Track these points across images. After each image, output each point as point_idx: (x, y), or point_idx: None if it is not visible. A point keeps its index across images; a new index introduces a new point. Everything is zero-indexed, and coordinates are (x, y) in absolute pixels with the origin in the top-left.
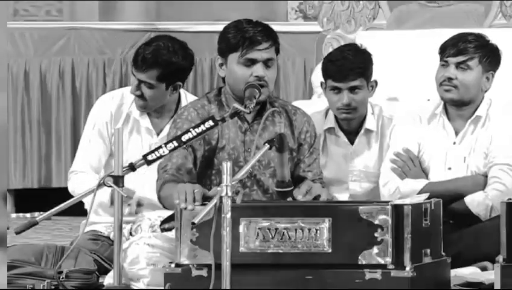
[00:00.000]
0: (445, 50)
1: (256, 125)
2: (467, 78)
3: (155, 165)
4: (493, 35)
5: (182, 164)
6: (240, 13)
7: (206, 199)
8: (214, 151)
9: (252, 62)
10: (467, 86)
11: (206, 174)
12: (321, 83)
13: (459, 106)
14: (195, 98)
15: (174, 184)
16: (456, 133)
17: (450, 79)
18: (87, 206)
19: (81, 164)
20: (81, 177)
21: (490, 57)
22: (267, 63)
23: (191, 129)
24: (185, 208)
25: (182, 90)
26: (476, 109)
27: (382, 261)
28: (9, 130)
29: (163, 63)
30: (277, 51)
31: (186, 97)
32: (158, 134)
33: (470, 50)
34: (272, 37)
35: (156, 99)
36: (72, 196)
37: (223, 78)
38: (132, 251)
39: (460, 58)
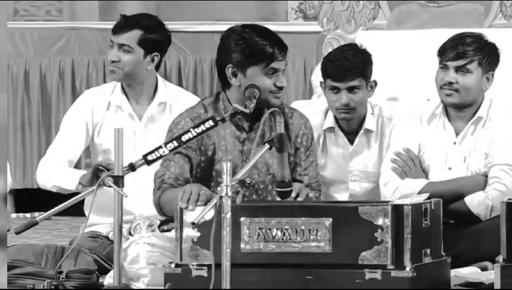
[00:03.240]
0: (444, 53)
1: (254, 134)
2: (467, 81)
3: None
4: (493, 35)
5: (180, 174)
6: (240, 13)
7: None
8: (210, 163)
9: (275, 71)
10: (467, 89)
11: (205, 185)
12: (320, 83)
13: (460, 109)
14: (175, 86)
15: (177, 189)
16: (457, 134)
17: (450, 83)
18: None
19: (54, 153)
20: (51, 168)
21: (490, 57)
22: (284, 70)
23: (191, 129)
24: (186, 207)
25: (159, 77)
26: (476, 110)
27: (382, 262)
28: (9, 130)
29: (145, 26)
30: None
31: (165, 83)
32: (140, 119)
33: (469, 53)
34: (284, 46)
35: (132, 67)
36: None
37: (224, 85)
38: (132, 250)
39: (460, 62)
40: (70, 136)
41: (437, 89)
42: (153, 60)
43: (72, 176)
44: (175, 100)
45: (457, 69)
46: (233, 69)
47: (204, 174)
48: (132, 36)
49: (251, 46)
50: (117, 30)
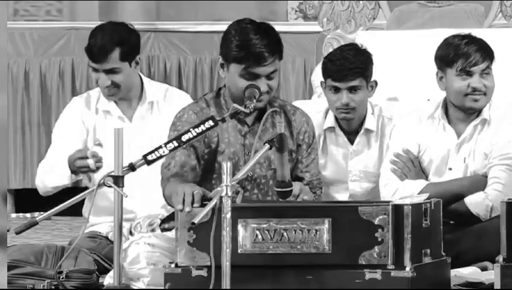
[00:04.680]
0: (464, 60)
1: (257, 128)
2: (490, 82)
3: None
4: (493, 35)
5: (186, 162)
6: (240, 13)
7: (206, 201)
8: (214, 155)
9: (256, 75)
10: (491, 90)
11: (207, 178)
12: (321, 83)
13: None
14: (158, 83)
15: (177, 182)
16: (457, 134)
17: (478, 89)
18: (85, 212)
19: (51, 156)
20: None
21: (493, 54)
22: (269, 76)
23: (191, 129)
24: (181, 210)
25: (141, 75)
26: (480, 111)
27: (382, 262)
28: (9, 130)
29: (121, 41)
30: (280, 58)
31: (149, 82)
32: (130, 120)
33: (484, 55)
34: (277, 50)
35: (127, 81)
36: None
37: (223, 79)
38: (132, 250)
39: (484, 65)
40: (65, 141)
41: (457, 98)
42: (137, 63)
43: (64, 170)
44: (161, 97)
45: (482, 73)
46: (221, 61)
47: (207, 166)
48: (114, 58)
49: (240, 43)
50: (96, 58)
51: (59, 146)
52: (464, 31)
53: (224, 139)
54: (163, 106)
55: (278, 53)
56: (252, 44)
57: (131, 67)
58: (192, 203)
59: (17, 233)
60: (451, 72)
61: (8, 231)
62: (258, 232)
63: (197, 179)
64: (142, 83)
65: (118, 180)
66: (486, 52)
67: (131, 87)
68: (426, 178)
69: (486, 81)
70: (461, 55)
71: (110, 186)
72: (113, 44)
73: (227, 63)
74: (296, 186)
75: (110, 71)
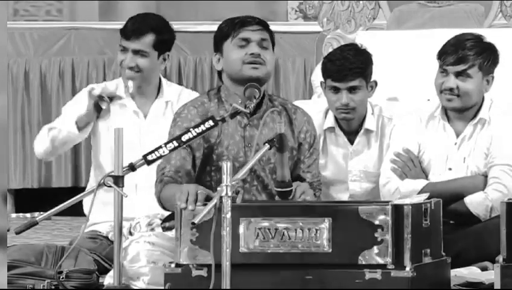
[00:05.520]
0: (444, 57)
1: (256, 119)
2: (468, 87)
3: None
4: (493, 35)
5: (181, 166)
6: (240, 13)
7: (209, 200)
8: (212, 148)
9: (247, 42)
10: (468, 94)
11: (205, 170)
12: (321, 83)
13: (461, 112)
14: (175, 84)
15: (176, 185)
16: (457, 135)
17: (451, 89)
18: (85, 209)
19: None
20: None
21: (490, 60)
22: (261, 44)
23: (191, 129)
24: (185, 208)
25: (161, 76)
26: (477, 111)
27: (382, 261)
28: (9, 130)
29: (157, 28)
30: (272, 41)
31: (167, 82)
32: (145, 116)
33: (470, 58)
34: (262, 23)
35: (150, 70)
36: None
37: (219, 75)
38: (132, 248)
39: (460, 68)
40: (75, 113)
41: (437, 93)
42: (164, 60)
43: (67, 123)
44: (176, 98)
45: (458, 75)
46: (216, 55)
47: (205, 159)
48: (147, 41)
49: (226, 23)
50: (129, 35)
51: (67, 115)
52: (464, 31)
53: (224, 130)
54: (177, 107)
55: (262, 25)
56: (238, 17)
57: (159, 60)
58: (195, 202)
59: (17, 233)
60: (439, 67)
61: (8, 231)
62: (259, 231)
63: (192, 182)
64: (160, 82)
65: (118, 180)
66: (481, 56)
67: (151, 80)
68: (426, 178)
69: (463, 83)
70: (446, 52)
71: (110, 186)
72: (150, 28)
73: (220, 49)
74: (302, 186)
75: (138, 52)
